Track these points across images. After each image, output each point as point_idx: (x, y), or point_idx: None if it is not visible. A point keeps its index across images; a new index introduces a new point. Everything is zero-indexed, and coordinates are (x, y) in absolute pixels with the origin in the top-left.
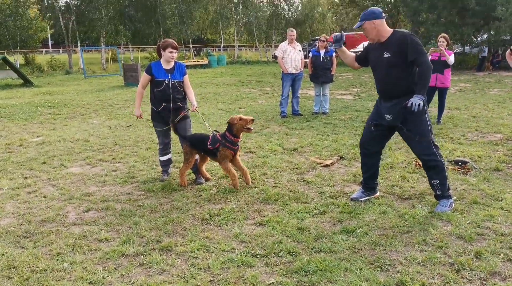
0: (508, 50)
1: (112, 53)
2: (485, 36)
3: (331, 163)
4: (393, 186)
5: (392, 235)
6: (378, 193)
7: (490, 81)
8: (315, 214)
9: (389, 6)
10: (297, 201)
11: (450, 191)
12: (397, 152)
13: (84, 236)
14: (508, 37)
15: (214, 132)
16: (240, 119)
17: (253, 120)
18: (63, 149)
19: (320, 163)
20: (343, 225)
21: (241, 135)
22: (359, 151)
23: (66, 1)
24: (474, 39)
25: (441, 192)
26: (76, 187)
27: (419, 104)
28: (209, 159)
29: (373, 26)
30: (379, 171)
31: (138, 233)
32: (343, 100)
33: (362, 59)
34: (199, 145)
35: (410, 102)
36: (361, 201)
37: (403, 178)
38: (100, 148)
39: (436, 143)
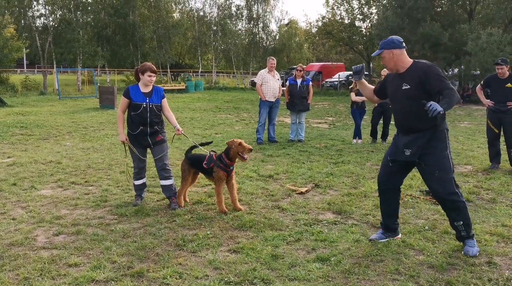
0: (479, 85)
1: (88, 75)
2: (456, 70)
3: (306, 191)
4: (367, 214)
5: (365, 264)
6: (399, 235)
7: (461, 114)
8: (289, 241)
9: (364, 39)
10: (272, 228)
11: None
12: (370, 181)
13: (53, 260)
14: (478, 73)
15: (211, 152)
16: (239, 144)
17: (251, 149)
18: (35, 170)
19: (295, 191)
20: (317, 253)
21: (236, 160)
22: (377, 188)
23: (44, 22)
24: (446, 73)
25: (466, 232)
26: (47, 210)
27: (437, 110)
28: (196, 182)
29: (391, 55)
30: (399, 211)
31: (110, 258)
32: (319, 128)
33: (380, 92)
34: (196, 164)
35: (430, 104)
36: (381, 242)
37: (376, 207)
38: (73, 170)
39: (457, 183)
